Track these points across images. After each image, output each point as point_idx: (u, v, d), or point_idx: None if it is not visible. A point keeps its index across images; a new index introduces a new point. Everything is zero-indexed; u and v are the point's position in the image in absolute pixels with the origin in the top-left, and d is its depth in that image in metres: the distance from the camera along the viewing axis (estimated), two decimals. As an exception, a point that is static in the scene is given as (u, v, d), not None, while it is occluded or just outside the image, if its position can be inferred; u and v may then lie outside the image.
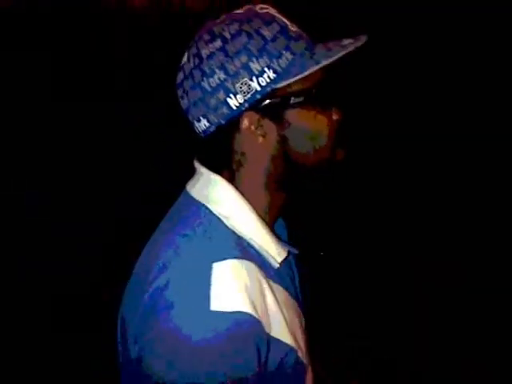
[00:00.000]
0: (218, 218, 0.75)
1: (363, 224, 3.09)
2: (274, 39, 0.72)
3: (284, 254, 0.78)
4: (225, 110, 0.73)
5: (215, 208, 0.75)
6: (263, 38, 0.72)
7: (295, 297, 0.85)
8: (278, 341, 0.72)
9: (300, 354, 0.77)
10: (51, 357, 2.29)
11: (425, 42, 3.87)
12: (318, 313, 0.87)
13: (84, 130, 3.99)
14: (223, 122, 0.74)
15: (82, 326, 2.40)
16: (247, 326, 0.66)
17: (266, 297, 0.72)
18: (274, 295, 0.74)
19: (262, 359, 0.68)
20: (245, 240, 0.75)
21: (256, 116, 0.73)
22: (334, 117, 0.78)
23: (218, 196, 0.76)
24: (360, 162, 3.47)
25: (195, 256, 0.70)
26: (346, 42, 0.75)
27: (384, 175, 3.43)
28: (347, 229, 3.03)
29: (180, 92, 0.77)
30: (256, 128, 0.73)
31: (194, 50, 0.75)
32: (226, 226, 0.74)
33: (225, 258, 0.70)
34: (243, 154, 0.75)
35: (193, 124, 0.77)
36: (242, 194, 0.77)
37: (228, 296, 0.67)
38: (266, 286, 0.73)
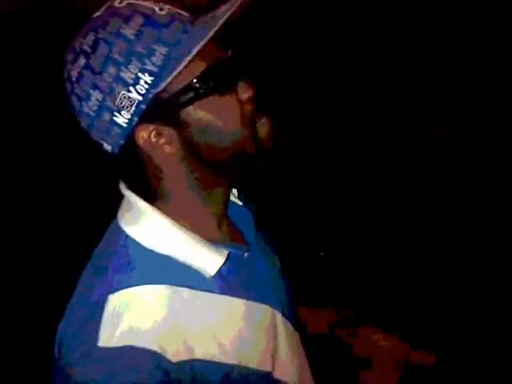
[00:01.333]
0: (135, 241, 0.69)
1: (363, 223, 3.08)
2: (138, 36, 0.61)
3: (221, 260, 0.69)
4: (116, 129, 0.65)
5: (132, 231, 0.70)
6: (126, 39, 0.61)
7: (261, 296, 0.76)
8: (210, 362, 0.66)
9: (253, 366, 0.70)
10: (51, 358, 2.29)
11: (424, 41, 3.87)
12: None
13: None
14: (122, 141, 0.66)
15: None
16: (139, 361, 0.60)
17: (185, 322, 0.65)
18: (203, 315, 0.67)
19: None
20: (168, 257, 0.68)
21: (150, 127, 0.65)
22: (244, 95, 0.68)
23: (135, 217, 0.70)
24: (360, 162, 3.47)
25: (95, 288, 0.66)
26: (223, 8, 0.63)
27: (384, 174, 3.42)
28: (347, 229, 3.03)
29: (75, 115, 0.69)
30: (157, 138, 0.65)
31: (65, 74, 0.67)
32: (145, 248, 0.68)
33: (123, 288, 0.64)
34: (156, 166, 0.68)
35: (100, 148, 0.71)
36: (171, 208, 0.70)
37: (119, 330, 0.61)
38: (187, 308, 0.66)
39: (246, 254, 0.77)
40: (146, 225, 0.69)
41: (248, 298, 0.74)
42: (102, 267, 0.68)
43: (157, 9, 0.63)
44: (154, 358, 0.61)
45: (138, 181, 0.71)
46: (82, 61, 0.64)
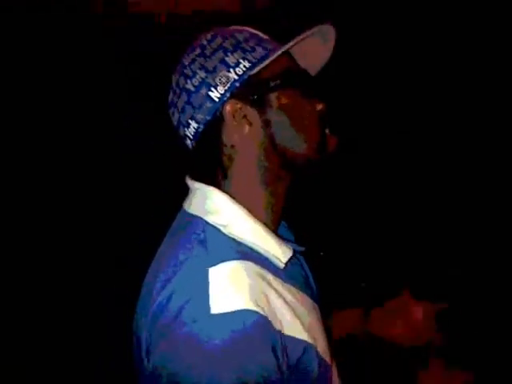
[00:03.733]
0: (216, 228, 0.76)
1: (363, 224, 3.08)
2: (246, 40, 0.78)
3: (289, 254, 0.78)
4: (208, 103, 0.76)
5: (212, 219, 0.77)
6: (236, 38, 0.78)
7: (310, 295, 0.85)
8: (293, 338, 0.71)
9: (320, 350, 0.76)
10: (51, 358, 2.29)
11: (425, 39, 3.86)
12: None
13: (85, 131, 3.99)
14: (209, 117, 0.77)
15: (83, 328, 2.40)
16: (253, 324, 0.66)
17: (270, 295, 0.72)
18: (281, 294, 0.74)
19: (280, 357, 0.67)
20: (246, 245, 0.76)
21: (238, 103, 0.76)
22: (317, 107, 0.81)
23: (214, 206, 0.78)
24: (360, 161, 3.47)
25: (193, 266, 0.71)
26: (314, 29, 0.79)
27: (385, 174, 3.42)
28: (347, 229, 3.03)
29: (171, 109, 0.81)
30: (240, 117, 0.76)
31: (178, 67, 0.81)
32: (225, 235, 0.75)
33: (220, 262, 0.70)
34: (233, 146, 0.78)
35: (184, 136, 0.81)
36: (238, 196, 0.78)
37: (227, 297, 0.67)
38: (269, 285, 0.73)
39: (297, 256, 0.87)
40: (225, 215, 0.77)
41: (305, 293, 0.83)
42: (186, 250, 0.74)
43: (260, 34, 0.81)
44: (265, 322, 0.67)
45: (211, 166, 0.80)
46: (197, 51, 0.79)
